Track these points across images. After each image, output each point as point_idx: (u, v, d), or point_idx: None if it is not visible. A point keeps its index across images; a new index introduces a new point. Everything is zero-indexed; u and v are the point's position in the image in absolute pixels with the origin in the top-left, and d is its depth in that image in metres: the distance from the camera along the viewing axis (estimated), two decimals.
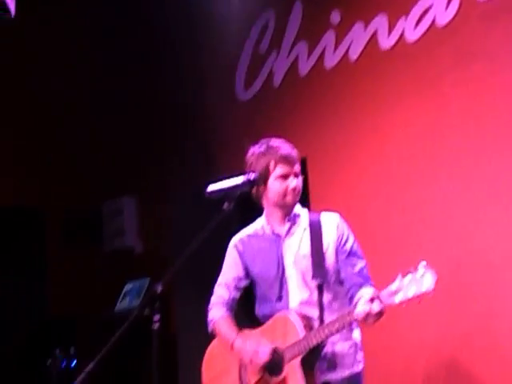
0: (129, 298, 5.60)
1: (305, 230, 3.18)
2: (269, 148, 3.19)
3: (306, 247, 3.15)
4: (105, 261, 6.01)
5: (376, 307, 2.80)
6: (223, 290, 3.33)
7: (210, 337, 5.37)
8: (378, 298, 2.80)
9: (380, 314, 2.83)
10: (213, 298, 3.37)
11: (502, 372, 3.74)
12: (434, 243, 4.06)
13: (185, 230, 5.51)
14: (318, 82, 4.73)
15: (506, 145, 3.83)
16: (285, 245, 3.19)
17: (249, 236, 3.31)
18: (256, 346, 3.09)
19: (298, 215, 3.21)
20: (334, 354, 3.09)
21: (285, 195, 3.14)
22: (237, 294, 3.32)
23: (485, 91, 3.92)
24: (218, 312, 3.32)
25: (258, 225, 3.29)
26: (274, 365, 3.06)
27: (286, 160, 3.14)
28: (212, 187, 3.05)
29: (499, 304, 3.80)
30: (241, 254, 3.29)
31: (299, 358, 2.99)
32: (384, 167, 4.37)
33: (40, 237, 5.94)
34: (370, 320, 2.85)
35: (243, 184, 3.05)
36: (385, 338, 4.14)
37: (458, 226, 3.99)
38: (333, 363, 3.08)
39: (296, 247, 3.17)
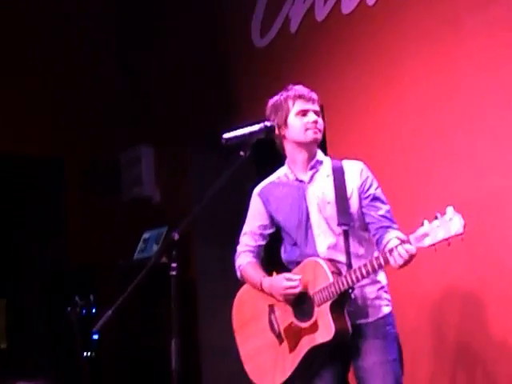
0: (147, 246, 5.64)
1: (328, 176, 3.19)
2: (287, 91, 3.23)
3: (329, 194, 3.17)
4: (123, 210, 6.04)
5: (404, 250, 2.82)
6: (249, 239, 3.37)
7: (229, 283, 5.41)
8: (408, 241, 2.82)
9: (410, 257, 2.85)
10: (239, 247, 3.41)
11: None
12: (451, 189, 4.04)
13: (202, 178, 5.53)
14: (335, 28, 4.66)
15: None
16: (308, 191, 3.20)
17: (272, 183, 3.32)
18: (286, 277, 3.13)
19: (321, 162, 3.23)
20: (363, 298, 3.12)
21: (306, 129, 3.16)
22: (262, 242, 3.37)
23: (505, 38, 3.84)
24: (245, 259, 3.37)
25: (281, 172, 3.30)
26: (304, 310, 3.10)
27: (304, 97, 3.18)
28: (228, 135, 3.04)
29: None
30: (264, 202, 3.31)
31: (329, 303, 3.01)
32: (402, 115, 4.32)
33: (59, 186, 5.97)
34: (401, 263, 2.87)
35: (260, 131, 3.04)
36: (400, 283, 4.16)
37: (477, 171, 3.95)
38: (364, 307, 3.12)
39: (320, 193, 3.18)
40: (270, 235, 3.36)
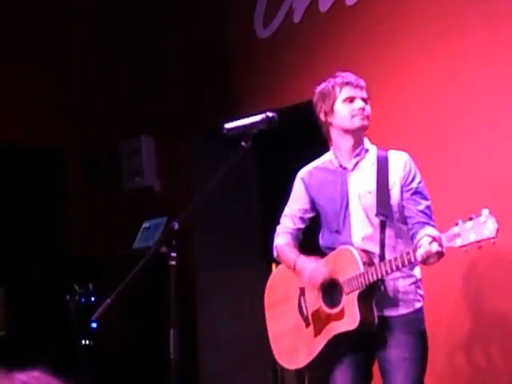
0: (147, 236, 5.63)
1: (372, 165, 3.19)
2: (334, 78, 3.23)
3: (371, 183, 3.17)
4: (124, 200, 6.03)
5: (435, 248, 2.83)
6: (289, 221, 3.38)
7: (229, 274, 5.44)
8: (439, 239, 2.82)
9: (440, 255, 2.87)
10: (278, 228, 3.42)
11: None
12: (451, 180, 4.04)
13: (203, 168, 5.52)
14: (338, 19, 4.64)
15: None
16: (351, 178, 3.20)
17: (316, 168, 3.32)
18: (315, 264, 3.16)
19: (367, 150, 3.23)
20: (395, 291, 3.12)
21: (352, 116, 3.16)
22: (302, 225, 3.37)
23: (509, 26, 3.83)
24: (283, 239, 3.38)
25: (326, 158, 3.30)
26: (332, 296, 3.12)
27: (351, 84, 3.18)
28: (230, 125, 3.02)
29: None
30: (307, 187, 3.32)
31: (357, 292, 3.03)
32: (406, 105, 4.31)
33: (61, 176, 5.96)
34: (429, 261, 2.90)
35: (261, 121, 3.01)
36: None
37: (486, 165, 3.94)
38: (394, 300, 3.12)
39: (362, 182, 3.18)
40: (311, 219, 3.37)
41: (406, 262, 2.95)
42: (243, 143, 2.95)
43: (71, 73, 5.96)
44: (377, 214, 3.13)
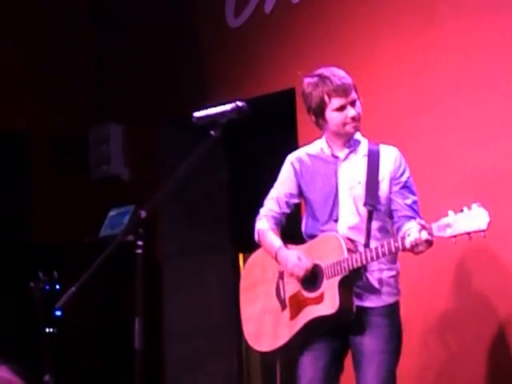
0: (113, 224, 5.60)
1: (363, 157, 3.22)
2: (321, 79, 3.20)
3: (362, 174, 3.19)
4: (91, 188, 5.98)
5: (425, 236, 2.85)
6: (274, 204, 3.35)
7: (195, 263, 5.41)
8: (430, 228, 2.85)
9: (428, 244, 2.89)
10: (262, 210, 3.39)
11: None
12: (423, 173, 4.05)
13: (172, 157, 5.49)
14: (309, 9, 4.64)
15: (502, 75, 3.80)
16: (341, 168, 3.22)
17: (307, 155, 3.32)
18: (298, 258, 3.13)
19: (359, 142, 3.25)
20: (379, 282, 3.14)
21: (344, 124, 3.18)
22: (287, 210, 3.36)
23: (482, 21, 3.86)
24: (266, 224, 3.35)
25: (318, 146, 3.31)
26: (312, 281, 3.12)
27: (340, 90, 3.16)
28: (199, 113, 3.00)
29: None
30: (296, 172, 3.31)
31: (339, 277, 3.03)
32: (376, 95, 4.31)
33: (26, 162, 5.89)
34: (418, 249, 2.91)
35: (231, 111, 2.98)
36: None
37: (452, 155, 3.97)
38: (377, 291, 3.13)
39: (352, 172, 3.20)
40: (296, 205, 3.36)
41: (393, 250, 2.97)
42: (212, 132, 2.93)
43: (40, 56, 5.88)
44: (365, 204, 3.15)
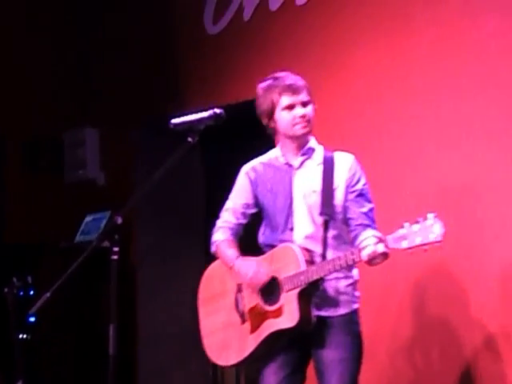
0: (89, 230, 5.58)
1: (318, 165, 3.19)
2: (274, 80, 3.19)
3: (317, 183, 3.16)
4: (66, 192, 5.95)
5: (381, 249, 2.84)
6: (230, 215, 3.33)
7: (169, 270, 5.40)
8: (384, 240, 2.84)
9: (384, 256, 2.89)
10: (218, 222, 3.36)
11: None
12: (401, 180, 4.09)
13: (147, 162, 5.48)
14: (288, 18, 4.66)
15: (476, 82, 3.84)
16: (296, 176, 3.19)
17: (262, 164, 3.30)
18: (256, 267, 3.12)
19: (313, 149, 3.21)
20: (336, 291, 3.12)
21: (294, 125, 3.14)
22: (243, 221, 3.33)
23: (456, 32, 3.91)
24: (222, 235, 3.33)
25: (273, 154, 3.28)
26: (271, 294, 3.09)
27: (290, 89, 3.13)
28: (177, 120, 3.00)
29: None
30: (251, 182, 3.29)
31: (297, 290, 3.01)
32: (350, 104, 4.36)
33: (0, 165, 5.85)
34: (374, 262, 2.91)
35: (209, 117, 2.99)
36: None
37: (428, 162, 4.00)
38: (334, 300, 3.12)
39: (307, 181, 3.17)
40: (253, 215, 3.32)
41: (351, 262, 2.96)
42: (189, 139, 2.93)
43: (16, 57, 5.84)
44: (320, 213, 3.12)
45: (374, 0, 4.23)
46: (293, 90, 3.13)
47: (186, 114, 3.02)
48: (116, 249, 2.73)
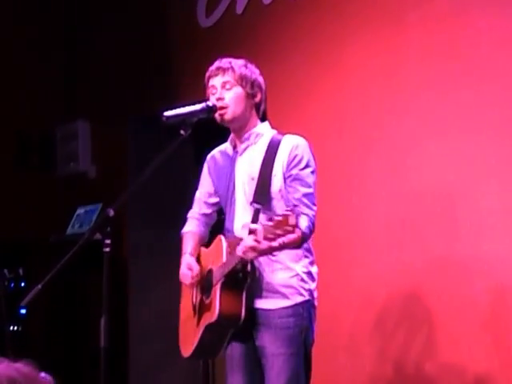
0: (80, 223, 5.57)
1: (261, 150, 3.05)
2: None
3: (256, 169, 3.03)
4: (58, 185, 5.95)
5: (249, 242, 2.73)
6: (195, 205, 3.32)
7: (161, 262, 5.39)
8: (255, 232, 2.69)
9: (254, 249, 2.75)
10: (189, 212, 3.35)
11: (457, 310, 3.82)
12: (391, 175, 4.10)
13: (139, 155, 5.47)
14: (281, 12, 4.66)
15: (467, 81, 3.85)
16: (237, 164, 3.11)
17: (219, 152, 3.25)
18: (189, 264, 3.12)
19: (260, 134, 3.09)
20: (273, 283, 3.00)
21: (218, 109, 3.03)
22: (208, 210, 3.29)
23: (447, 29, 3.91)
24: (187, 226, 3.32)
25: (228, 142, 3.21)
26: (207, 287, 3.06)
27: (213, 72, 3.07)
28: (169, 113, 2.99)
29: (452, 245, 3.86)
30: (209, 170, 3.25)
31: (220, 283, 2.95)
32: (343, 99, 4.36)
33: None
34: (248, 255, 2.80)
35: (201, 110, 2.99)
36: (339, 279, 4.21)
37: (417, 159, 4.00)
38: (272, 292, 3.00)
39: (247, 168, 3.07)
40: (219, 204, 3.25)
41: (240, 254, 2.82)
42: (182, 132, 2.93)
43: (8, 52, 5.82)
44: (251, 203, 2.98)
45: None
46: (216, 72, 3.06)
47: (179, 107, 3.02)
48: (108, 241, 2.73)
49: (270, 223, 2.62)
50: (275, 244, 2.69)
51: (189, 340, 3.16)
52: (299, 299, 3.01)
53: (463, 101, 3.84)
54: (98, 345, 2.73)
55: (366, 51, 4.25)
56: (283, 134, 3.10)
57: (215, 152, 3.27)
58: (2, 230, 5.67)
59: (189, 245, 3.25)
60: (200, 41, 5.16)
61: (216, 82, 3.06)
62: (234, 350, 3.09)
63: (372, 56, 4.22)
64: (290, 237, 2.73)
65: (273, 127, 3.18)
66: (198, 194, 3.32)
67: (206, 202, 3.29)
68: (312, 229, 2.95)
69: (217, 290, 2.96)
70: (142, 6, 5.60)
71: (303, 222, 2.89)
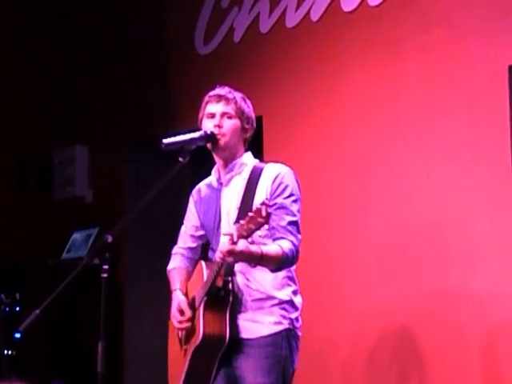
0: (76, 247, 5.58)
1: (244, 180, 3.06)
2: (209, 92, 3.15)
3: (239, 199, 3.03)
4: (54, 209, 5.96)
5: (225, 247, 2.74)
6: (181, 239, 3.32)
7: (157, 288, 5.39)
8: (231, 235, 2.72)
9: (230, 253, 2.74)
10: (174, 248, 3.36)
11: (451, 336, 3.83)
12: (386, 204, 4.13)
13: (136, 181, 5.50)
14: (278, 41, 4.71)
15: (462, 109, 3.89)
16: (223, 195, 3.11)
17: (205, 184, 3.25)
18: (177, 307, 3.08)
19: (244, 164, 3.09)
20: (252, 312, 2.98)
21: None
22: (193, 244, 3.29)
23: (444, 57, 3.97)
24: (172, 263, 3.32)
25: (212, 174, 3.21)
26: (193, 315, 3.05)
27: (214, 98, 3.09)
28: (168, 140, 3.01)
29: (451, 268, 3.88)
30: (195, 204, 3.25)
31: (202, 304, 2.96)
32: (340, 130, 4.40)
33: None
34: (228, 259, 2.80)
35: (200, 138, 3.01)
36: (330, 304, 4.23)
37: (413, 188, 4.03)
38: (249, 321, 2.98)
39: (231, 198, 3.07)
40: (205, 237, 3.25)
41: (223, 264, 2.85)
42: (181, 159, 2.95)
43: (6, 74, 5.86)
44: (234, 223, 2.88)
45: (363, 25, 4.28)
46: (216, 99, 3.07)
47: (177, 134, 3.04)
48: (106, 267, 2.75)
49: (243, 221, 2.66)
50: (256, 249, 2.78)
51: (178, 372, 3.09)
52: (278, 328, 2.98)
53: (458, 128, 3.89)
54: (95, 369, 2.73)
55: (363, 79, 4.29)
56: (266, 162, 3.13)
57: (201, 185, 3.27)
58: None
59: (177, 280, 3.22)
60: (198, 68, 5.20)
61: (216, 109, 3.07)
62: (219, 381, 3.04)
63: (369, 84, 4.26)
64: (272, 249, 2.85)
65: (263, 157, 3.21)
66: (183, 228, 3.31)
67: (192, 235, 3.28)
68: (295, 255, 2.93)
69: (200, 312, 2.95)
70: (142, 32, 5.64)
71: (286, 244, 2.90)
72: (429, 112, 4.01)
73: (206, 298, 2.95)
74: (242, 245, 2.73)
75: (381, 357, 4.06)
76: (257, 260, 2.86)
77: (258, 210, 2.64)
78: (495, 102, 3.78)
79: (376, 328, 4.09)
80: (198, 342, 2.93)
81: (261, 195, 2.98)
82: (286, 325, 2.99)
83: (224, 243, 2.77)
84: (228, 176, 3.10)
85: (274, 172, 3.02)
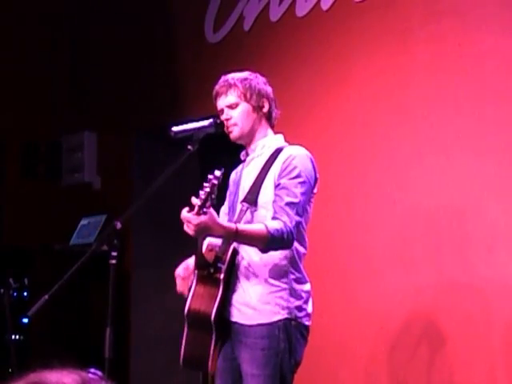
0: (84, 233, 5.60)
1: (263, 161, 3.06)
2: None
3: (253, 179, 3.04)
4: (62, 195, 5.98)
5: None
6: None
7: (163, 274, 5.40)
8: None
9: (197, 227, 2.82)
10: None
11: (466, 327, 3.82)
12: (393, 197, 4.13)
13: (144, 167, 5.52)
14: (288, 29, 4.71)
15: (472, 100, 3.88)
16: (243, 174, 3.13)
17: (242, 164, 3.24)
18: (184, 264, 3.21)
19: (266, 146, 3.08)
20: (248, 297, 2.97)
21: (227, 128, 3.08)
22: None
23: (454, 47, 3.96)
24: None
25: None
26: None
27: (215, 94, 3.12)
28: (177, 128, 3.02)
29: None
30: (228, 187, 3.24)
31: (195, 278, 3.03)
32: (349, 118, 4.39)
33: None
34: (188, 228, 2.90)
35: (209, 126, 3.03)
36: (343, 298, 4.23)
37: (426, 176, 4.03)
38: (253, 307, 2.95)
39: (248, 178, 3.08)
40: None
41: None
42: (189, 147, 2.96)
43: (15, 62, 5.87)
44: (241, 201, 3.00)
45: (372, 15, 4.27)
46: (216, 94, 3.11)
47: (186, 122, 3.05)
48: (114, 253, 2.76)
49: (202, 191, 2.72)
50: (229, 224, 2.83)
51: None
52: (275, 318, 2.92)
53: (468, 118, 3.88)
54: (102, 355, 2.75)
55: (372, 68, 4.29)
56: (289, 144, 3.10)
57: (240, 166, 3.26)
58: (7, 239, 5.71)
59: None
60: (207, 56, 5.20)
61: (221, 103, 3.10)
62: (220, 364, 3.05)
63: (378, 73, 4.26)
64: (254, 227, 2.85)
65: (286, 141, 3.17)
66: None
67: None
68: (287, 236, 2.86)
69: (192, 284, 3.02)
70: (151, 21, 5.64)
71: (274, 224, 2.85)
72: (438, 101, 4.00)
73: (197, 272, 2.99)
74: (202, 216, 2.77)
75: (398, 349, 4.06)
76: (232, 236, 2.85)
77: (211, 173, 2.70)
78: (505, 93, 3.76)
79: (389, 318, 4.09)
80: (185, 313, 3.00)
81: (272, 176, 2.98)
82: (283, 314, 2.92)
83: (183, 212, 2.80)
84: (249, 157, 3.12)
85: (287, 153, 3.00)
